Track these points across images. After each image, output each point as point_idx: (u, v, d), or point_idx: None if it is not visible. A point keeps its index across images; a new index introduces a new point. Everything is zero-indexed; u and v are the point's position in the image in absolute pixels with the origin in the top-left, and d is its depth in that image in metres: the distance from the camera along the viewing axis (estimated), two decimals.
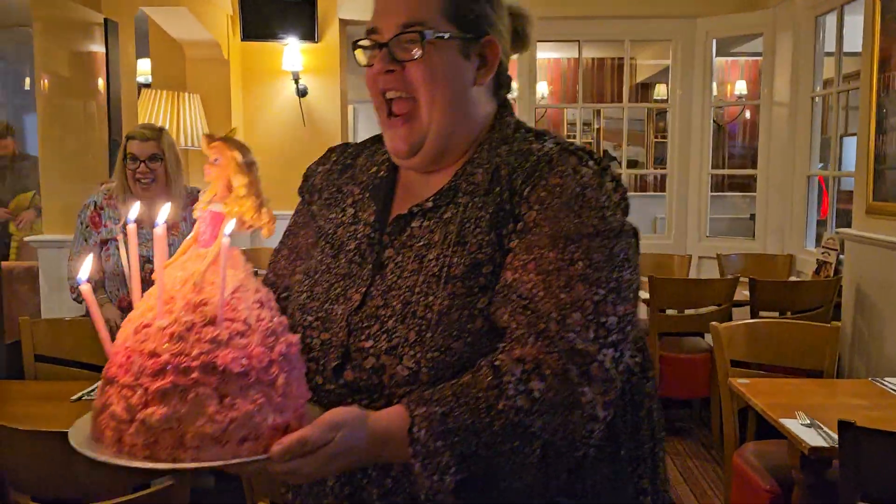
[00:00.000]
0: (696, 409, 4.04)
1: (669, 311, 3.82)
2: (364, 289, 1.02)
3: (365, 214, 1.10)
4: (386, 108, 1.05)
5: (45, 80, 3.70)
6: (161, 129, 2.75)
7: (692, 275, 4.78)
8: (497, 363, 0.91)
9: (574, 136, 5.59)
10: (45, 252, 3.69)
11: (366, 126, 8.03)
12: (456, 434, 0.87)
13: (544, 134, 1.09)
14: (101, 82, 3.83)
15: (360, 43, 1.06)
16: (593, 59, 8.97)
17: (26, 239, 4.09)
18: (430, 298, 0.97)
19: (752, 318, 3.53)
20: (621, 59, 5.26)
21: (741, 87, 8.30)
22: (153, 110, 4.43)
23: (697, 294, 3.66)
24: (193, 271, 0.83)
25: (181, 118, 4.46)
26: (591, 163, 1.02)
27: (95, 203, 2.76)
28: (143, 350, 0.78)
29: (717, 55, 5.03)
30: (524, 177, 1.00)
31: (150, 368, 0.77)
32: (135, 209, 0.87)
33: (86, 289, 0.80)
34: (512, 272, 0.96)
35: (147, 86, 5.48)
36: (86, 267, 0.84)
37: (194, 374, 0.77)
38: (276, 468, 0.80)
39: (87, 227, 2.74)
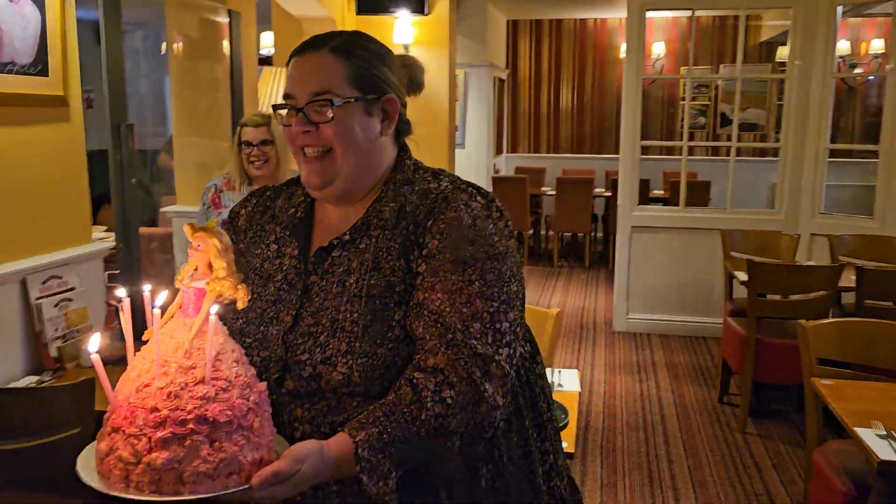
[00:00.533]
0: (793, 393, 4.00)
1: (774, 295, 3.77)
2: (294, 311, 1.22)
3: (288, 249, 1.29)
4: (302, 154, 1.24)
5: (178, 43, 4.06)
6: (270, 117, 3.01)
7: (802, 253, 4.64)
8: (414, 380, 1.12)
9: (686, 100, 5.42)
10: (178, 221, 4.10)
11: (476, 90, 8.10)
12: (392, 446, 1.07)
13: (439, 174, 1.28)
14: (225, 45, 4.13)
15: (279, 106, 1.25)
16: (714, 16, 8.58)
17: (162, 210, 4.53)
18: (356, 315, 1.17)
19: (856, 307, 3.44)
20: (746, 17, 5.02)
21: (878, 46, 7.72)
22: (273, 86, 4.72)
23: (799, 280, 3.59)
24: (182, 340, 1.01)
25: None
26: (478, 198, 1.22)
27: (216, 186, 3.06)
28: (145, 406, 0.96)
29: (849, 16, 4.73)
30: (425, 212, 1.21)
31: (153, 421, 0.95)
32: (161, 297, 1.05)
33: (95, 358, 1.00)
34: (422, 292, 1.16)
35: (269, 59, 5.80)
36: (94, 341, 1.03)
37: (190, 425, 0.96)
38: (256, 495, 0.99)
39: (208, 207, 3.06)
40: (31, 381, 2.44)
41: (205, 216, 3.05)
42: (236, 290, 1.05)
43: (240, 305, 1.08)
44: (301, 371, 1.17)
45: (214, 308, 1.01)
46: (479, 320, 1.14)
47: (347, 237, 1.25)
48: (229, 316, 1.25)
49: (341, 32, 1.28)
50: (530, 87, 9.60)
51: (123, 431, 0.97)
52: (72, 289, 2.65)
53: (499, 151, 9.18)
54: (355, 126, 1.22)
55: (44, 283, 2.55)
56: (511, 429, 1.25)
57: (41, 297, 2.52)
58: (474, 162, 8.02)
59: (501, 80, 9.12)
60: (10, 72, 2.38)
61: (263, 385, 1.08)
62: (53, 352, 2.52)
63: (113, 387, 1.02)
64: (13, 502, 1.94)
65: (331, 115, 1.19)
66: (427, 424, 1.09)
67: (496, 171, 8.80)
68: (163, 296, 1.02)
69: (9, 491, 2.13)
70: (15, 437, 1.99)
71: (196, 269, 1.06)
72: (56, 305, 2.57)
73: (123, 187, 3.09)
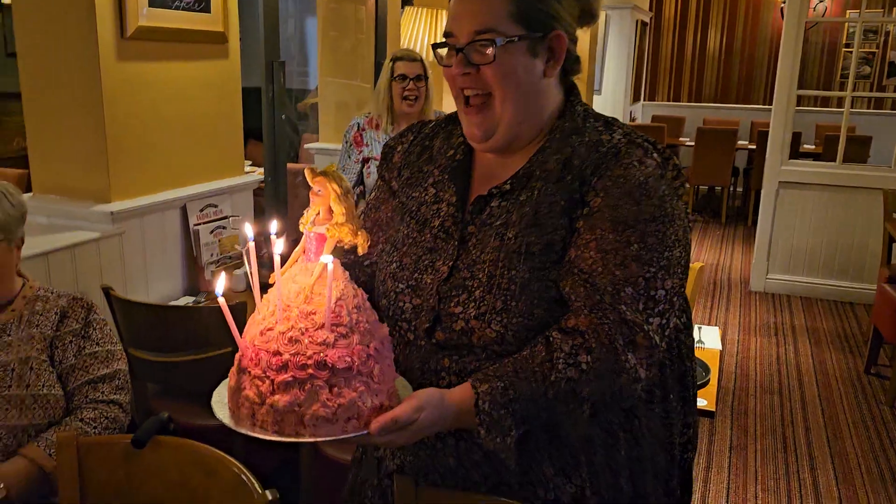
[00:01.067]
0: None
1: None
2: (451, 262, 1.16)
3: (446, 195, 1.22)
4: (463, 99, 1.16)
5: None
6: (421, 55, 3.02)
7: None
8: (551, 339, 1.05)
9: (854, 46, 4.94)
10: (319, 158, 4.25)
11: (617, 34, 7.77)
12: (515, 403, 1.02)
13: (612, 124, 1.17)
14: None
15: (439, 45, 1.17)
16: None
17: (306, 146, 4.70)
18: (513, 272, 1.10)
19: None
20: None
21: None
22: (414, 27, 4.74)
23: None
24: (304, 285, 1.00)
25: (439, 35, 4.73)
26: (654, 155, 1.11)
27: (359, 125, 3.12)
28: (268, 349, 0.96)
29: None
30: (593, 167, 1.12)
31: (275, 364, 0.96)
32: (274, 225, 1.03)
33: (222, 301, 0.99)
34: (575, 249, 1.08)
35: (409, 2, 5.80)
36: (220, 283, 1.02)
37: (310, 370, 0.95)
38: (375, 441, 0.98)
39: (350, 145, 3.13)
40: (188, 300, 2.64)
41: (347, 154, 3.14)
42: (356, 235, 1.03)
43: (360, 251, 1.06)
44: (453, 324, 1.13)
45: (330, 257, 0.99)
46: (632, 285, 1.06)
47: (508, 187, 1.18)
48: (383, 258, 1.25)
49: None
50: (674, 32, 9.12)
51: (249, 373, 0.98)
52: (225, 217, 2.82)
53: (636, 99, 8.83)
54: (518, 68, 1.13)
55: (201, 210, 2.73)
56: (654, 400, 1.19)
57: (199, 224, 2.71)
58: (610, 109, 7.76)
59: (644, 24, 8.70)
60: (176, 7, 2.52)
61: (386, 331, 1.06)
62: (208, 275, 2.71)
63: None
64: (168, 407, 2.12)
65: (492, 54, 1.11)
66: (556, 386, 1.04)
67: (632, 120, 8.48)
68: (280, 244, 0.99)
69: (165, 398, 2.34)
70: (173, 351, 2.18)
71: (318, 214, 1.04)
72: (211, 232, 2.75)
73: (274, 123, 3.22)
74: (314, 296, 0.99)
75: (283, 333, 0.96)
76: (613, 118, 1.20)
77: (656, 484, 1.22)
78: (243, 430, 0.97)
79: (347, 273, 1.05)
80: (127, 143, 2.45)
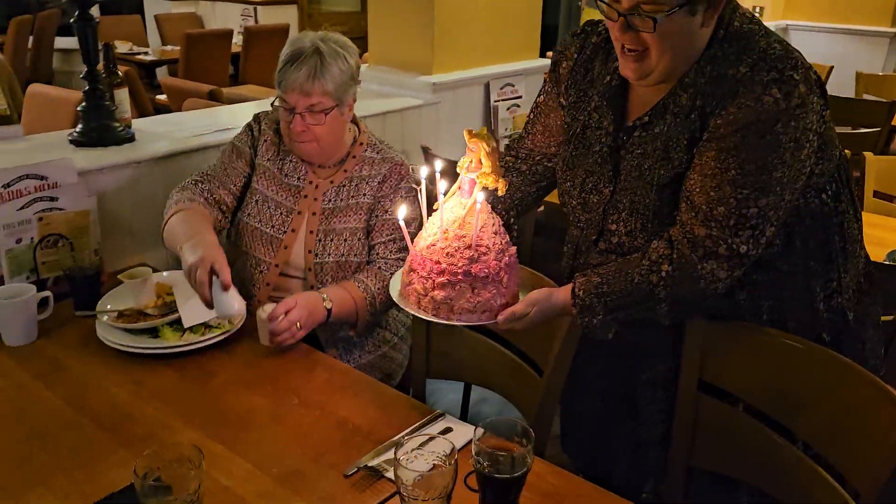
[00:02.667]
0: None
1: None
2: (611, 185, 1.39)
3: (605, 122, 1.38)
4: (620, 44, 1.26)
5: None
6: None
7: None
8: (650, 247, 1.30)
9: None
10: None
11: None
12: (606, 296, 1.31)
13: (744, 50, 1.23)
14: None
15: (601, 3, 1.24)
16: None
17: None
18: (647, 200, 1.33)
19: None
20: None
21: None
22: None
23: None
24: (458, 215, 1.34)
25: None
26: (774, 89, 1.17)
27: None
28: (431, 258, 1.32)
29: None
30: (712, 106, 1.24)
31: (436, 270, 1.32)
32: (438, 164, 1.34)
33: (402, 224, 1.39)
34: (689, 170, 1.27)
35: None
36: (402, 211, 1.40)
37: (459, 276, 1.31)
38: (501, 327, 1.34)
39: None
40: None
41: None
42: (497, 182, 1.33)
43: (500, 193, 1.34)
44: (611, 238, 1.41)
45: (482, 195, 1.31)
46: (724, 204, 1.23)
47: (647, 119, 1.34)
48: (558, 171, 1.51)
49: None
50: None
51: (417, 273, 1.36)
52: (519, 97, 3.13)
53: None
54: (676, 31, 1.22)
55: (501, 88, 3.06)
56: (795, 271, 1.36)
57: (498, 101, 3.05)
58: None
59: None
60: None
61: (514, 249, 1.37)
62: (502, 147, 3.07)
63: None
64: None
65: (652, 27, 1.21)
66: (639, 288, 1.29)
67: None
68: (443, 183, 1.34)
69: None
70: None
71: (471, 163, 1.34)
72: (507, 109, 3.08)
73: (570, 15, 3.43)
74: (465, 223, 1.34)
75: (443, 249, 1.33)
76: (757, 33, 1.25)
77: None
78: (411, 311, 1.38)
79: (489, 206, 1.37)
80: (448, 23, 2.83)
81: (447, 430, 1.34)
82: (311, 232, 1.81)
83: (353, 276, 1.78)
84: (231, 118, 2.41)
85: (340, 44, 1.75)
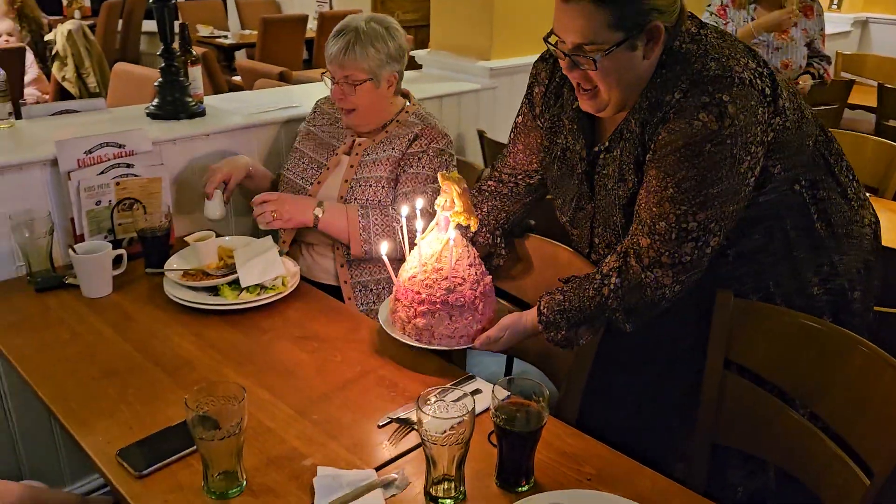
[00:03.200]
0: None
1: None
2: (592, 203, 1.50)
3: (578, 146, 1.45)
4: (574, 81, 1.36)
5: None
6: None
7: None
8: (603, 262, 1.42)
9: None
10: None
11: None
12: (568, 312, 1.43)
13: (680, 75, 1.28)
14: None
15: (550, 41, 1.33)
16: None
17: None
18: (615, 217, 1.44)
19: None
20: None
21: None
22: None
23: None
24: (435, 249, 1.48)
25: None
26: (702, 114, 1.25)
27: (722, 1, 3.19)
28: (412, 289, 1.48)
29: None
30: (650, 132, 1.33)
31: (416, 299, 1.47)
32: (419, 203, 1.56)
33: (385, 260, 1.55)
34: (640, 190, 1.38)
35: None
36: (384, 247, 1.58)
37: (437, 305, 1.46)
38: (477, 350, 1.50)
39: (711, 13, 3.22)
40: None
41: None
42: (469, 219, 1.46)
43: (472, 229, 1.49)
44: (598, 250, 1.53)
45: (454, 232, 1.46)
46: (664, 220, 1.31)
47: (607, 144, 1.43)
48: (551, 194, 1.62)
49: None
50: None
51: (401, 302, 1.50)
52: None
53: None
54: (619, 66, 1.29)
55: None
56: (780, 259, 1.43)
57: None
58: None
59: None
60: None
61: (489, 279, 1.52)
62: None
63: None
64: None
65: (593, 66, 1.28)
66: (594, 301, 1.39)
67: None
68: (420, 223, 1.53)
69: None
70: None
71: (446, 202, 1.47)
72: None
73: None
74: (442, 257, 1.47)
75: (422, 280, 1.47)
76: (694, 54, 1.30)
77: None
78: (397, 336, 1.52)
79: (464, 240, 1.51)
80: (507, 10, 2.89)
81: (476, 392, 1.42)
82: (346, 181, 1.97)
83: (362, 206, 1.93)
84: (295, 97, 2.54)
85: (385, 25, 1.92)
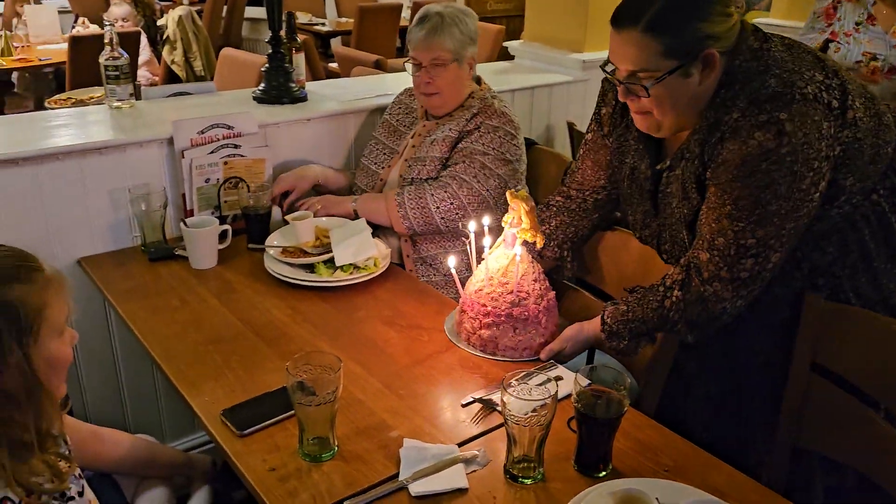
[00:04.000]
0: None
1: None
2: (655, 220, 1.53)
3: (643, 165, 1.46)
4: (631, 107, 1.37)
5: None
6: None
7: None
8: (667, 275, 1.44)
9: None
10: None
11: None
12: (631, 322, 1.47)
13: (739, 94, 1.29)
14: None
15: (605, 69, 1.36)
16: None
17: None
18: (681, 235, 1.46)
19: None
20: None
21: None
22: None
23: None
24: (502, 264, 1.54)
25: None
26: (758, 133, 1.23)
27: None
28: (478, 301, 1.53)
29: None
30: (710, 152, 1.34)
31: (482, 312, 1.53)
32: (486, 219, 1.63)
33: (453, 272, 1.61)
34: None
35: None
36: (451, 261, 1.62)
37: (502, 318, 1.51)
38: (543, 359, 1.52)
39: (818, 17, 3.09)
40: None
41: (811, 27, 3.11)
42: (535, 236, 1.51)
43: (538, 246, 1.54)
44: (668, 262, 1.54)
45: (521, 249, 1.51)
46: (723, 236, 1.32)
47: (667, 163, 1.44)
48: (630, 218, 1.63)
49: None
50: None
51: (467, 313, 1.56)
52: None
53: None
54: (672, 93, 1.30)
55: None
56: (857, 272, 1.43)
57: None
58: None
59: None
60: None
61: (552, 294, 1.58)
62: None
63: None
64: None
65: (646, 93, 1.29)
66: (657, 313, 1.42)
67: None
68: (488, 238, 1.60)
69: None
70: None
71: (513, 219, 1.52)
72: None
73: None
74: (508, 272, 1.52)
75: (488, 294, 1.53)
76: (754, 71, 1.30)
77: None
78: (462, 346, 1.57)
79: (530, 256, 1.55)
80: (601, 2, 2.87)
81: (558, 378, 1.46)
82: (405, 160, 2.07)
83: (401, 189, 2.00)
84: (388, 85, 2.62)
85: (462, 11, 2.04)
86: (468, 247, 1.62)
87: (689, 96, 1.32)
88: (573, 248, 1.77)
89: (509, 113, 2.04)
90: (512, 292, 1.51)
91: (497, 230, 1.59)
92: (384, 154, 2.16)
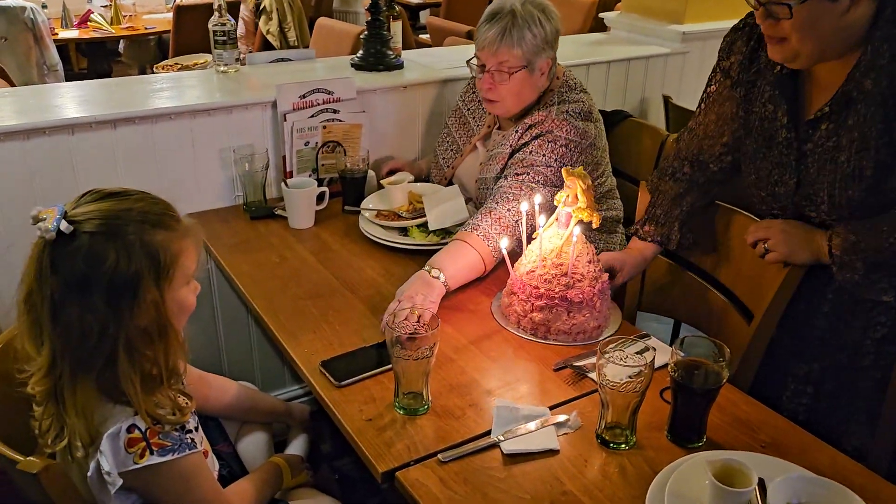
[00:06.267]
0: None
1: None
2: (795, 177, 1.39)
3: (779, 112, 1.34)
4: (766, 33, 1.26)
5: None
6: None
7: None
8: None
9: None
10: None
11: None
12: (864, 252, 1.32)
13: None
14: None
15: None
16: None
17: None
18: (850, 192, 1.28)
19: None
20: None
21: None
22: None
23: None
24: (556, 245, 1.47)
25: None
26: None
27: None
28: (531, 283, 1.46)
29: None
30: None
31: (534, 294, 1.46)
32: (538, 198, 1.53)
33: (506, 255, 1.54)
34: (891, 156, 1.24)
35: None
36: (503, 243, 1.54)
37: (556, 300, 1.45)
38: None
39: None
40: None
41: None
42: (592, 216, 1.44)
43: (595, 226, 1.44)
44: (812, 221, 1.42)
45: (577, 228, 1.44)
46: None
47: (827, 109, 1.31)
48: (743, 168, 1.52)
49: None
50: None
51: (517, 295, 1.50)
52: None
53: None
54: (816, 19, 1.21)
55: None
56: None
57: None
58: None
59: None
60: None
61: (606, 277, 1.50)
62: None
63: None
64: None
65: (789, 13, 1.20)
66: (893, 247, 1.29)
67: None
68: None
69: None
70: None
71: (568, 197, 1.45)
72: None
73: None
74: (562, 252, 1.46)
75: (541, 275, 1.47)
76: None
77: None
78: (511, 329, 1.52)
79: (584, 236, 1.48)
80: None
81: (651, 349, 1.45)
82: (476, 181, 1.95)
83: (470, 224, 1.69)
84: None
85: (541, 8, 1.78)
86: (519, 226, 1.55)
87: (835, 24, 1.23)
88: (687, 223, 1.68)
89: (573, 118, 1.80)
90: (566, 274, 1.45)
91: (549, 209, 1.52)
92: (451, 150, 2.07)
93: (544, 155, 1.78)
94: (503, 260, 1.57)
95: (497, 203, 1.72)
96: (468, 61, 1.89)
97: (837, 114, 1.32)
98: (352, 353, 1.44)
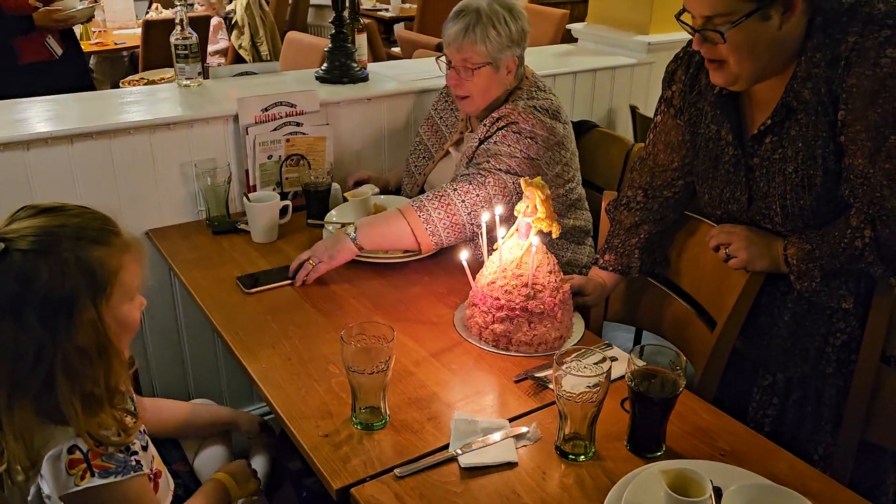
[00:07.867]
0: None
1: None
2: (747, 192, 1.41)
3: (723, 132, 1.37)
4: (706, 58, 1.29)
5: None
6: None
7: None
8: (849, 218, 1.30)
9: None
10: None
11: None
12: (819, 259, 1.33)
13: (849, 23, 1.19)
14: None
15: (682, 19, 1.26)
16: None
17: None
18: (802, 202, 1.30)
19: None
20: None
21: None
22: None
23: None
24: (516, 255, 1.46)
25: None
26: (889, 50, 1.12)
27: None
28: (491, 294, 1.46)
29: None
30: (836, 91, 1.22)
31: (495, 305, 1.46)
32: (498, 209, 1.52)
33: (465, 264, 1.52)
34: (847, 157, 1.25)
35: None
36: (464, 255, 1.51)
37: (517, 312, 1.44)
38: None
39: None
40: None
41: None
42: (551, 226, 1.44)
43: (554, 236, 1.46)
44: (781, 233, 1.42)
45: (536, 238, 1.43)
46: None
47: (769, 122, 1.33)
48: (697, 189, 1.54)
49: None
50: None
51: (479, 307, 1.49)
52: None
53: None
54: (750, 39, 1.23)
55: None
56: None
57: None
58: None
59: None
60: None
61: (567, 287, 1.51)
62: None
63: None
64: None
65: (723, 39, 1.22)
66: (848, 251, 1.30)
67: None
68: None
69: None
70: None
71: (527, 208, 1.45)
72: None
73: None
74: (522, 263, 1.46)
75: (502, 286, 1.46)
76: (858, 2, 1.22)
77: None
78: (472, 341, 1.51)
79: (544, 247, 1.47)
80: None
81: (613, 359, 1.44)
82: (456, 165, 1.98)
83: (418, 200, 1.74)
84: None
85: (507, 7, 1.81)
86: (479, 238, 1.54)
87: (769, 42, 1.25)
88: (659, 252, 1.71)
89: (539, 114, 1.83)
90: (527, 285, 1.45)
91: (509, 221, 1.51)
92: (423, 157, 2.10)
93: (509, 145, 1.80)
94: (463, 269, 1.56)
95: (453, 189, 1.75)
96: (437, 59, 1.93)
97: (780, 125, 1.33)
98: (268, 270, 1.76)
